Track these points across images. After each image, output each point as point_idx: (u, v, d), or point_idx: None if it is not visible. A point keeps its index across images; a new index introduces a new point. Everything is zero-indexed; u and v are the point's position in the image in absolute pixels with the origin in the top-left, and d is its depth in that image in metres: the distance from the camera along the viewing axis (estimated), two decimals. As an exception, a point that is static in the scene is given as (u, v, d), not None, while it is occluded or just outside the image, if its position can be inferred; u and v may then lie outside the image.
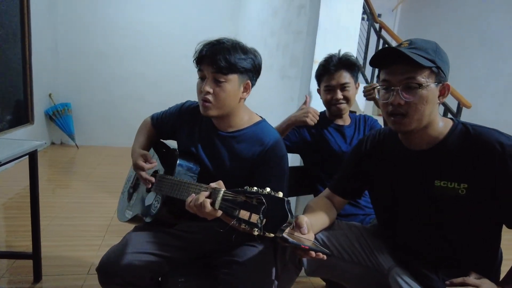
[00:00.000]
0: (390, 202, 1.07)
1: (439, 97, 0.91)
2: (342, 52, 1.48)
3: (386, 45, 3.73)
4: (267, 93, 2.69)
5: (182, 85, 4.49)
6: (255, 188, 0.77)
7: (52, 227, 2.23)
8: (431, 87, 0.88)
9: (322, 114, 1.60)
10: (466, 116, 3.30)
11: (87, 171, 3.58)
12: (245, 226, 0.74)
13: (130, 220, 1.28)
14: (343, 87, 1.45)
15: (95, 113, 4.55)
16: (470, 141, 0.91)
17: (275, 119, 2.47)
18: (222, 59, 1.00)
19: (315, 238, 1.06)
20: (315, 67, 1.71)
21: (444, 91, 0.92)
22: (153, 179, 1.16)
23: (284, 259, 1.11)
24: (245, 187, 0.79)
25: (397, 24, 5.11)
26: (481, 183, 0.89)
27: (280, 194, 0.74)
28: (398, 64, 0.88)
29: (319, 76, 1.53)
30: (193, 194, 0.91)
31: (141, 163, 1.15)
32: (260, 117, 1.21)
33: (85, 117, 4.51)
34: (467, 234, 0.96)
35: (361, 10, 1.72)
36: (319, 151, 1.53)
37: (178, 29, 4.56)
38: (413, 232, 1.03)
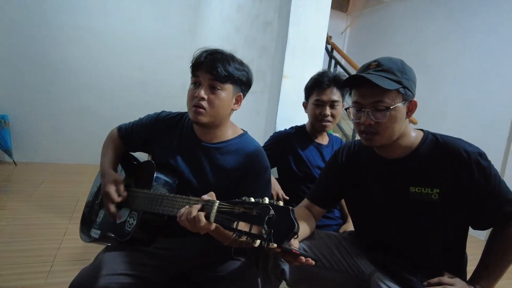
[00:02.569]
0: (367, 209, 1.12)
1: (407, 113, 0.99)
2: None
3: (338, 65, 3.99)
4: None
5: (136, 98, 4.32)
6: (253, 199, 0.75)
7: (-12, 254, 1.96)
8: (398, 107, 0.95)
9: (302, 129, 1.62)
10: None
11: (28, 190, 3.23)
12: (246, 238, 0.71)
13: (98, 240, 1.18)
14: (332, 104, 1.47)
15: (38, 127, 4.15)
16: (440, 149, 1.00)
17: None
18: (221, 67, 1.01)
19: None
20: (284, 82, 1.76)
21: (411, 107, 0.99)
22: (118, 217, 1.08)
23: (267, 271, 1.11)
24: (243, 198, 0.77)
25: (346, 46, 5.47)
26: (451, 188, 0.97)
27: (281, 204, 0.73)
28: (367, 88, 0.93)
29: (310, 89, 1.52)
30: (187, 206, 0.87)
31: (113, 193, 1.07)
32: (243, 130, 1.21)
33: (26, 131, 4.10)
34: (440, 236, 1.03)
35: (326, 29, 1.83)
36: (298, 168, 1.53)
37: (132, 41, 4.40)
38: (391, 236, 1.08)
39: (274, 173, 1.64)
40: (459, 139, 1.02)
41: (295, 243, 0.93)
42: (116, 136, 1.26)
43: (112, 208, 1.07)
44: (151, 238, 1.09)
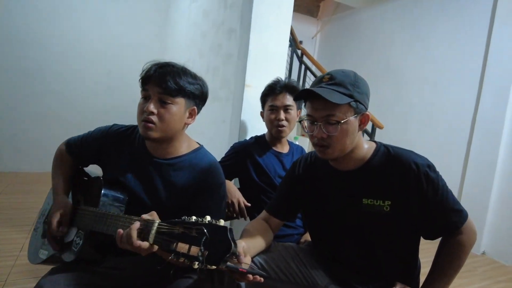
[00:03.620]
0: (322, 221, 1.13)
1: (360, 125, 0.99)
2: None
3: (308, 70, 4.04)
4: (198, 114, 2.66)
5: (103, 103, 4.18)
6: (194, 217, 0.73)
7: None
8: (350, 120, 0.95)
9: (262, 138, 1.62)
10: (379, 136, 3.70)
11: (-16, 202, 3.06)
12: (184, 260, 0.69)
13: (46, 261, 1.12)
14: (286, 108, 1.50)
15: (-2, 134, 3.95)
16: (391, 161, 1.01)
17: (207, 141, 2.45)
18: (172, 81, 0.98)
19: (253, 262, 1.06)
20: (246, 90, 1.76)
21: (364, 120, 1.00)
22: (57, 248, 1.06)
23: (223, 287, 1.09)
24: (183, 217, 0.74)
25: (317, 51, 5.55)
26: (401, 200, 0.99)
27: (222, 222, 0.71)
28: (319, 101, 0.93)
29: (265, 97, 1.56)
30: (120, 230, 0.83)
31: (54, 224, 1.04)
32: (198, 144, 1.18)
33: (-17, 139, 3.89)
34: (393, 247, 1.05)
35: (288, 37, 1.84)
36: (258, 177, 1.54)
37: (99, 45, 4.26)
38: (345, 248, 1.09)
39: (236, 184, 1.63)
40: (410, 151, 1.04)
41: (246, 259, 0.92)
42: (65, 152, 1.21)
43: (50, 239, 1.05)
44: (99, 258, 1.04)
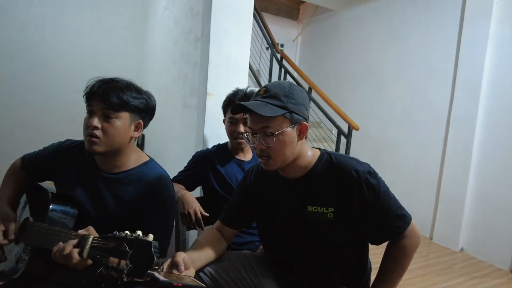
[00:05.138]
0: (271, 228, 1.15)
1: (299, 135, 1.01)
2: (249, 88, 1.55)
3: (287, 74, 4.07)
4: (170, 121, 2.67)
5: (81, 112, 4.15)
6: (126, 232, 0.76)
7: None
8: (286, 131, 0.97)
9: (224, 146, 1.63)
10: (358, 137, 3.74)
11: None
12: (113, 273, 0.73)
13: (-5, 278, 1.12)
14: (245, 121, 1.48)
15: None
16: (333, 169, 1.03)
17: (179, 147, 2.47)
18: (115, 96, 0.99)
19: (203, 272, 1.09)
20: (208, 99, 1.77)
21: (303, 129, 1.01)
22: (4, 259, 1.06)
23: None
24: (114, 232, 0.77)
25: (298, 53, 5.59)
26: (344, 207, 1.01)
27: (150, 237, 0.74)
28: (256, 114, 0.95)
29: (225, 107, 1.56)
30: (60, 243, 0.85)
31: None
32: (149, 156, 1.19)
33: (-40, 151, 3.84)
34: (339, 253, 1.07)
35: (249, 45, 1.85)
36: (219, 186, 1.54)
37: (75, 53, 4.24)
38: (292, 255, 1.11)
39: (196, 193, 1.64)
40: (352, 158, 1.06)
41: (190, 272, 0.93)
42: (18, 167, 1.21)
43: None
44: (46, 274, 1.04)
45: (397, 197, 1.05)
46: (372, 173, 1.01)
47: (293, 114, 0.97)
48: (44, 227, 0.99)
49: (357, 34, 4.54)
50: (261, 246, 1.50)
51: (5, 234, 1.06)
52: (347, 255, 1.08)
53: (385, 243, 1.08)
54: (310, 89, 3.74)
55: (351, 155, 2.91)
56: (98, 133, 1.00)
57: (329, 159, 1.06)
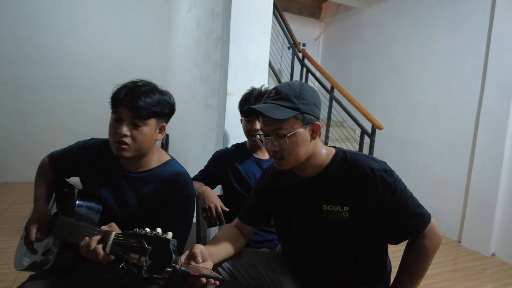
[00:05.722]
0: (287, 227, 1.15)
1: (312, 135, 1.00)
2: (265, 87, 1.56)
3: (309, 73, 4.04)
4: (193, 121, 2.72)
5: (109, 114, 4.32)
6: (146, 229, 0.78)
7: None
8: (299, 132, 0.96)
9: (242, 145, 1.65)
10: (382, 137, 3.66)
11: (-2, 211, 3.22)
12: (134, 268, 0.76)
13: (28, 268, 1.18)
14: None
15: (11, 146, 4.15)
16: (348, 167, 1.02)
17: (201, 146, 2.52)
18: (142, 104, 1.01)
19: (221, 267, 1.10)
20: (228, 99, 1.79)
21: (316, 129, 1.00)
22: (34, 252, 1.12)
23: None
24: (135, 229, 0.80)
25: (321, 52, 5.54)
26: (359, 205, 0.99)
27: (169, 235, 0.76)
28: (267, 116, 0.95)
29: (241, 106, 1.58)
30: (87, 238, 0.89)
31: (32, 233, 1.10)
32: (170, 156, 1.23)
33: (-1, 151, 4.10)
34: (355, 252, 1.05)
35: (268, 45, 1.86)
36: (238, 184, 1.56)
37: (102, 57, 4.42)
38: (309, 254, 1.11)
39: (217, 192, 1.66)
40: (367, 156, 1.04)
41: (207, 264, 0.95)
42: (47, 165, 1.27)
43: (28, 245, 1.11)
44: (74, 266, 1.10)
45: (422, 198, 1.02)
46: (388, 171, 0.99)
47: (305, 114, 0.97)
48: (71, 222, 1.04)
49: (380, 31, 4.44)
50: (279, 245, 1.51)
51: (37, 231, 1.12)
52: (364, 254, 1.06)
53: (405, 243, 1.06)
54: (332, 88, 3.70)
55: (374, 155, 2.85)
56: (127, 140, 1.04)
57: (344, 157, 1.05)
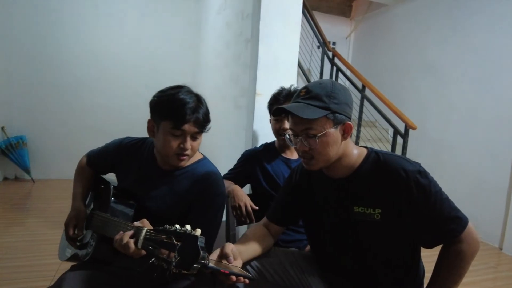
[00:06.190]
0: (316, 227, 1.14)
1: (343, 135, 0.98)
2: (294, 86, 1.57)
3: (339, 72, 3.98)
4: (223, 121, 2.76)
5: (142, 115, 4.45)
6: (176, 226, 0.81)
7: (-3, 270, 2.11)
8: (329, 132, 0.95)
9: (271, 145, 1.66)
10: (416, 137, 3.54)
11: (42, 206, 3.44)
12: (163, 264, 0.78)
13: (70, 259, 1.26)
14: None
15: (53, 146, 4.41)
16: (380, 168, 1.00)
17: (230, 146, 2.55)
18: (205, 120, 1.10)
19: (250, 265, 1.11)
20: (257, 99, 1.81)
21: (347, 129, 0.98)
22: (74, 245, 1.20)
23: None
24: (165, 226, 0.83)
25: (351, 51, 5.43)
26: (392, 208, 0.97)
27: (198, 232, 0.79)
28: (297, 116, 0.94)
29: (270, 106, 1.60)
30: (121, 232, 0.93)
31: (70, 228, 1.19)
32: (202, 154, 1.26)
33: (42, 150, 4.37)
34: (387, 255, 1.03)
35: (297, 45, 1.85)
36: (267, 183, 1.57)
37: (137, 60, 4.59)
38: (338, 255, 1.09)
39: (245, 191, 1.68)
40: (401, 157, 1.01)
41: (236, 262, 0.97)
42: (85, 164, 1.35)
43: (68, 240, 1.19)
44: (110, 259, 1.15)
45: (459, 202, 0.98)
46: (422, 173, 0.96)
47: (336, 114, 0.95)
48: (107, 217, 1.09)
49: (413, 29, 4.29)
50: (308, 245, 1.50)
51: (75, 227, 1.20)
52: (396, 257, 1.03)
53: (439, 247, 1.02)
54: (363, 87, 3.62)
55: (408, 155, 2.75)
56: (188, 152, 1.11)
57: (376, 158, 1.02)
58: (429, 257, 1.12)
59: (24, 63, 4.21)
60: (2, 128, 4.12)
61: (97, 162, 1.33)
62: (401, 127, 3.29)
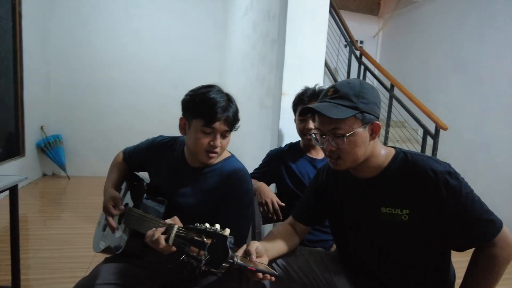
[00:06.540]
0: (343, 228, 1.14)
1: (371, 135, 0.97)
2: (318, 86, 1.56)
3: (367, 71, 3.91)
4: (248, 121, 2.79)
5: (170, 114, 4.58)
6: (206, 225, 0.84)
7: (37, 260, 2.25)
8: (358, 132, 0.94)
9: (296, 145, 1.67)
10: (447, 138, 3.41)
11: (76, 201, 3.61)
12: (193, 261, 0.81)
13: (103, 251, 1.33)
14: (314, 118, 1.51)
15: (86, 144, 4.64)
16: (408, 168, 0.98)
17: (256, 145, 2.57)
18: (234, 119, 1.14)
19: (276, 263, 1.12)
20: (283, 99, 1.82)
21: (375, 129, 0.97)
22: (115, 226, 1.22)
23: (249, 285, 1.16)
24: (196, 224, 0.86)
25: (379, 49, 5.31)
26: (420, 209, 0.95)
27: (227, 232, 0.81)
28: (324, 115, 0.93)
29: (294, 106, 1.60)
30: (154, 229, 0.97)
31: (110, 207, 1.22)
32: (230, 152, 1.29)
33: (76, 148, 4.60)
34: (414, 258, 1.01)
35: (324, 45, 1.84)
36: (292, 183, 1.57)
37: (166, 61, 4.74)
38: (365, 256, 1.08)
39: (272, 189, 1.70)
40: (430, 157, 0.99)
41: (263, 259, 0.99)
42: (121, 159, 1.41)
43: (110, 220, 1.22)
44: (141, 253, 1.20)
45: (495, 205, 0.95)
46: (453, 173, 0.93)
47: (365, 114, 0.94)
48: (139, 213, 1.14)
49: (445, 26, 4.13)
50: (334, 245, 1.49)
51: (115, 207, 1.24)
52: (424, 260, 1.01)
53: (471, 251, 0.99)
54: (392, 86, 3.54)
55: (438, 157, 2.66)
56: (218, 149, 1.15)
57: (405, 158, 1.00)
58: (461, 262, 1.08)
59: (61, 67, 4.46)
60: (41, 127, 4.37)
61: (131, 158, 1.39)
62: (431, 127, 3.19)
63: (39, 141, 4.29)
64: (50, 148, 4.31)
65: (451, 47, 4.03)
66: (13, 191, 1.56)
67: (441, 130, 3.12)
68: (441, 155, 3.44)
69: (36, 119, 4.24)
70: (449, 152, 3.68)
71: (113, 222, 1.22)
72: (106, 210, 1.23)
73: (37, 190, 4.00)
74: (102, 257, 1.29)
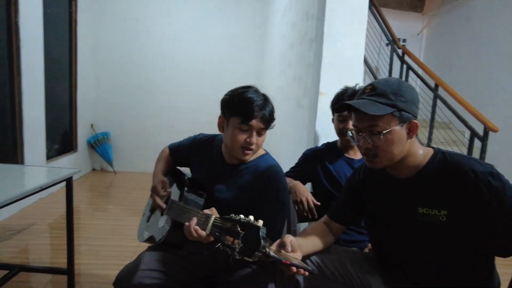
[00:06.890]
0: (379, 228, 1.13)
1: (408, 133, 0.96)
2: (359, 85, 1.55)
3: (410, 70, 3.77)
4: (285, 120, 2.82)
5: (208, 114, 4.72)
6: (240, 215, 0.88)
7: (88, 247, 2.44)
8: (395, 130, 0.93)
9: (333, 144, 1.67)
10: (498, 140, 3.21)
11: (122, 195, 3.85)
12: (228, 249, 0.85)
13: (147, 240, 1.42)
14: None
15: (131, 142, 4.92)
16: (447, 168, 0.96)
17: (292, 145, 2.59)
18: (269, 116, 1.19)
19: (310, 259, 1.13)
20: (320, 98, 1.82)
21: (412, 128, 0.96)
22: (164, 205, 1.30)
23: (283, 282, 1.19)
24: (231, 215, 0.90)
25: (423, 48, 5.09)
26: (459, 210, 0.93)
27: (260, 223, 0.85)
28: (362, 112, 0.94)
29: (333, 106, 1.60)
30: (195, 219, 1.04)
31: (159, 188, 1.31)
32: (265, 150, 1.33)
33: (123, 145, 4.89)
34: (453, 260, 0.98)
35: (363, 44, 1.82)
36: (328, 183, 1.57)
37: (206, 63, 4.90)
38: (401, 257, 1.07)
39: (308, 189, 1.71)
40: (470, 157, 0.96)
41: (297, 255, 1.01)
42: (168, 153, 1.51)
43: (158, 200, 1.31)
44: (181, 243, 1.28)
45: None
46: (495, 174, 0.90)
47: (403, 112, 0.94)
48: (180, 205, 1.21)
49: (496, 21, 3.87)
50: (369, 245, 1.48)
51: (163, 187, 1.33)
52: (463, 263, 0.98)
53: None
54: (436, 86, 3.38)
55: (487, 160, 2.51)
56: (253, 146, 1.20)
57: (443, 158, 0.98)
58: (507, 275, 1.03)
59: (109, 69, 4.78)
60: (91, 125, 4.71)
61: (177, 154, 1.48)
62: (479, 129, 3.00)
63: (89, 138, 4.63)
64: (99, 145, 4.62)
65: (503, 44, 3.77)
66: (69, 182, 1.71)
67: (490, 132, 2.94)
68: (490, 159, 3.23)
69: (87, 118, 4.58)
70: (500, 156, 3.45)
71: (161, 202, 1.30)
72: (154, 191, 1.32)
73: (87, 183, 4.31)
74: (145, 247, 1.38)
